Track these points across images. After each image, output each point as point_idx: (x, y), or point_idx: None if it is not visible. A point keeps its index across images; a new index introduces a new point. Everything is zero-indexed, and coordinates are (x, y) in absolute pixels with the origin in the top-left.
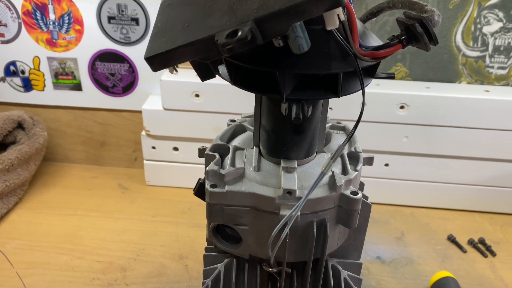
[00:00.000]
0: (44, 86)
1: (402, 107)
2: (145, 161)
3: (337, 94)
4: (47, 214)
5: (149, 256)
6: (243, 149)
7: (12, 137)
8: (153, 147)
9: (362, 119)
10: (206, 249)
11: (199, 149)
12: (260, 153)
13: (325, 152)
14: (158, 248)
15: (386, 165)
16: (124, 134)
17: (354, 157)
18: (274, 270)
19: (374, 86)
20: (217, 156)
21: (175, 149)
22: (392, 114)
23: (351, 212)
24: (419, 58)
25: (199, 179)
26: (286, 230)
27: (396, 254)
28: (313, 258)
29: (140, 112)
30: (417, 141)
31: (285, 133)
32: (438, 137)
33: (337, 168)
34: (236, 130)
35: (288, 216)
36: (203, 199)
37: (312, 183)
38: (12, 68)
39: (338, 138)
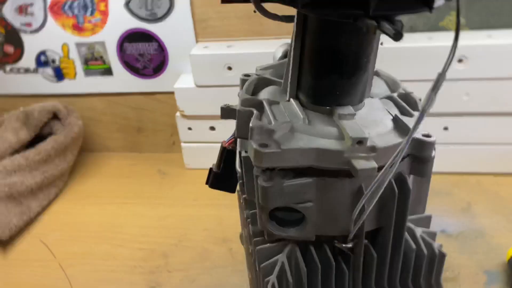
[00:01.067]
0: (75, 73)
1: (460, 61)
2: (182, 144)
3: (429, 7)
4: (87, 204)
5: (191, 241)
6: (278, 103)
7: (48, 128)
8: (189, 128)
9: (413, 79)
10: (256, 242)
11: (222, 108)
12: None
13: (372, 97)
14: (200, 232)
15: (445, 129)
16: (159, 118)
17: (407, 100)
18: (349, 246)
19: (426, 40)
20: (255, 111)
21: (212, 128)
22: (449, 69)
23: (425, 159)
24: (476, 3)
25: (210, 168)
26: (383, 187)
27: (463, 226)
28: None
29: (173, 93)
30: (480, 98)
31: (342, 72)
32: (505, 91)
33: (394, 112)
34: (258, 84)
35: (390, 164)
36: (221, 188)
37: (377, 131)
38: (43, 58)
39: (376, 83)
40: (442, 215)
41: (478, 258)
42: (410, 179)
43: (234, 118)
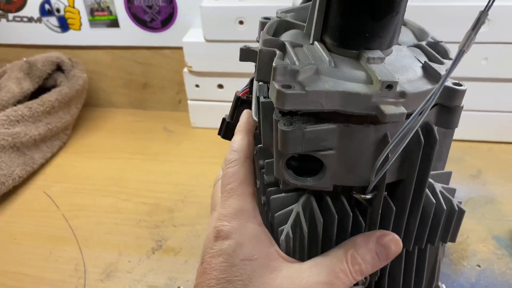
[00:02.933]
0: (81, 24)
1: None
2: (189, 101)
3: None
4: (92, 158)
5: (197, 197)
6: (301, 46)
7: (52, 81)
8: (197, 85)
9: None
10: (270, 192)
11: (242, 49)
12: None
13: (400, 44)
14: (206, 189)
15: None
16: (166, 74)
17: (436, 49)
18: (368, 197)
19: None
20: (278, 51)
21: (220, 86)
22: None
23: (454, 109)
24: None
25: (223, 118)
26: (410, 135)
27: (473, 193)
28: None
29: (181, 48)
30: (499, 63)
31: (373, 12)
32: None
33: (423, 59)
34: (279, 27)
35: (420, 111)
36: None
37: (406, 76)
38: (47, 7)
39: (403, 32)
40: (452, 181)
41: (487, 224)
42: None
43: (253, 61)
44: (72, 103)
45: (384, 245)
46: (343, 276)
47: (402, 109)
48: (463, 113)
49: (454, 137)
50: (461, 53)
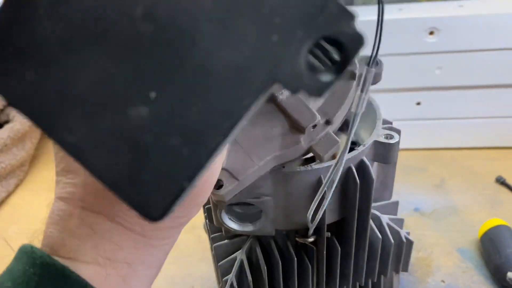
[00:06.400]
0: None
1: (431, 33)
2: None
3: None
4: (50, 195)
5: None
6: None
7: (5, 116)
8: None
9: (383, 52)
10: (213, 239)
11: None
12: None
13: None
14: None
15: (418, 103)
16: None
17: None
18: (311, 240)
19: (396, 11)
20: None
21: None
22: (420, 42)
23: (390, 145)
24: None
25: None
26: (337, 177)
27: (437, 204)
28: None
29: None
30: (453, 72)
31: None
32: (479, 64)
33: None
34: None
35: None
36: None
37: None
38: None
39: None
40: (416, 192)
41: (451, 236)
42: (375, 166)
43: None
44: (26, 138)
45: None
46: None
47: (334, 141)
48: (425, 122)
49: (417, 146)
50: (356, 116)
